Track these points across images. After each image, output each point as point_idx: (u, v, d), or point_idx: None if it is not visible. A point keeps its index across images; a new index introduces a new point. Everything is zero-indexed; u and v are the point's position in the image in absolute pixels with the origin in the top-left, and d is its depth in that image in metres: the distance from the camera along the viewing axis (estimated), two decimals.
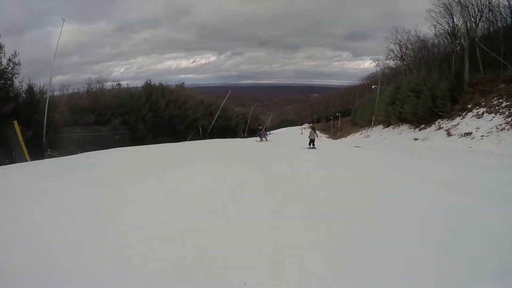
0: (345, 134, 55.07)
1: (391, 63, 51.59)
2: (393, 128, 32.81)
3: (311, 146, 20.67)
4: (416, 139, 25.75)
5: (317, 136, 21.13)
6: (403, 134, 28.98)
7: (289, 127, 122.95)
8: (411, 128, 29.20)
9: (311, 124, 30.70)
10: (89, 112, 28.85)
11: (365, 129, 43.54)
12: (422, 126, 27.61)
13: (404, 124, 31.00)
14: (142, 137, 33.08)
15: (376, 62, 62.07)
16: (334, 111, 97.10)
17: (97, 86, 34.48)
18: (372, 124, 40.87)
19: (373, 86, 46.63)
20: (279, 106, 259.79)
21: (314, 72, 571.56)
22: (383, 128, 35.77)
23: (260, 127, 43.04)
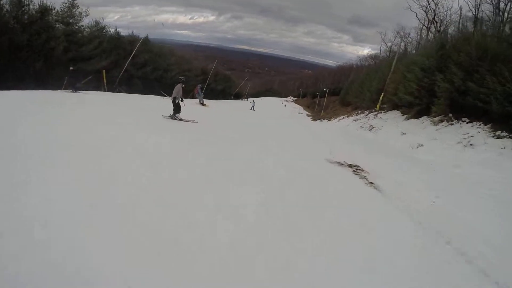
0: (330, 116, 36.92)
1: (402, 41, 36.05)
2: (437, 123, 14.00)
3: (175, 115, 11.69)
4: None
5: (181, 100, 11.73)
6: (480, 149, 10.15)
7: (268, 98, 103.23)
8: (496, 133, 10.83)
9: (181, 78, 10.05)
10: None
11: (363, 113, 24.97)
12: None
13: (473, 120, 12.28)
14: None
15: (383, 37, 45.72)
16: (323, 87, 79.25)
17: None
18: (378, 108, 22.43)
19: (390, 45, 27.86)
20: (270, 76, 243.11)
21: (311, 49, 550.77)
22: (407, 119, 17.10)
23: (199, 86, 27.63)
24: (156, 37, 37.80)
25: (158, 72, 36.01)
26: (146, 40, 35.39)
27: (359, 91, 29.82)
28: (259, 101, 77.42)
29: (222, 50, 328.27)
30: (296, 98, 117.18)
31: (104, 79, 27.61)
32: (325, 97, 59.42)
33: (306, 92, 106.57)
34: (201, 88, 27.15)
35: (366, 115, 23.41)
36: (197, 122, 12.02)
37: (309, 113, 57.33)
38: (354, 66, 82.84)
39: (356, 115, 25.44)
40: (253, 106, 38.03)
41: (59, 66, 23.74)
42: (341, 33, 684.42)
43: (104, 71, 27.69)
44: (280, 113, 41.53)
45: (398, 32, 38.57)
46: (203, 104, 25.16)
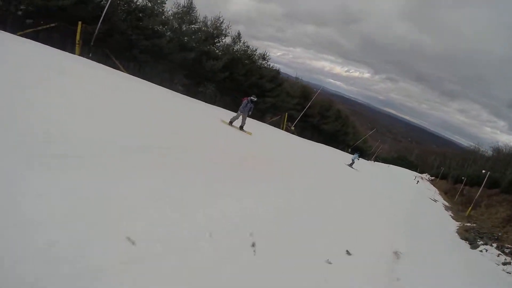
0: (488, 220, 18.06)
1: None
2: None
3: None
4: None
5: None
6: None
7: (399, 167, 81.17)
8: None
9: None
10: None
11: None
12: None
13: None
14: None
15: None
16: (473, 173, 55.73)
17: None
18: None
19: None
20: (411, 148, 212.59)
21: (461, 129, 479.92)
22: None
23: (251, 98, 13.13)
24: (310, 80, 33.28)
25: (187, 53, 23.69)
26: None
27: None
28: (385, 168, 58.14)
29: (370, 108, 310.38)
30: (433, 178, 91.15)
31: (78, 34, 19.11)
32: (481, 186, 37.86)
33: (447, 173, 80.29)
34: (253, 103, 13.08)
35: None
36: None
37: (447, 204, 36.72)
38: None
39: None
40: (352, 162, 23.68)
41: None
42: (497, 118, 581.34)
43: (80, 22, 19.30)
44: (402, 193, 23.99)
45: None
46: (241, 128, 13.07)
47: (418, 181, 57.03)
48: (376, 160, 63.59)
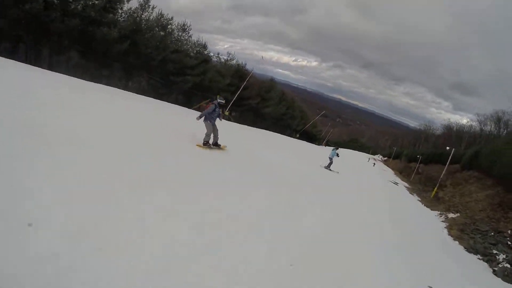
0: (468, 204, 13.63)
1: None
2: None
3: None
4: None
5: None
6: None
7: (352, 150, 78.37)
8: None
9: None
10: None
11: None
12: None
13: None
14: None
15: None
16: (427, 151, 53.75)
17: None
18: None
19: None
20: (361, 130, 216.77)
21: (408, 111, 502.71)
22: None
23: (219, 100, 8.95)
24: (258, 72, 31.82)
25: (70, 20, 17.31)
26: None
27: None
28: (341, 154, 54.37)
29: (319, 96, 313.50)
30: (386, 158, 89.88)
31: None
32: (437, 163, 34.61)
33: (400, 151, 78.60)
34: (221, 107, 9.46)
35: None
36: None
37: (408, 185, 33.11)
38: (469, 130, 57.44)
39: None
40: (330, 162, 17.85)
41: None
42: (441, 99, 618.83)
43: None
44: (364, 182, 19.23)
45: None
46: (216, 145, 9.48)
47: (374, 163, 54.06)
48: (327, 144, 60.22)
